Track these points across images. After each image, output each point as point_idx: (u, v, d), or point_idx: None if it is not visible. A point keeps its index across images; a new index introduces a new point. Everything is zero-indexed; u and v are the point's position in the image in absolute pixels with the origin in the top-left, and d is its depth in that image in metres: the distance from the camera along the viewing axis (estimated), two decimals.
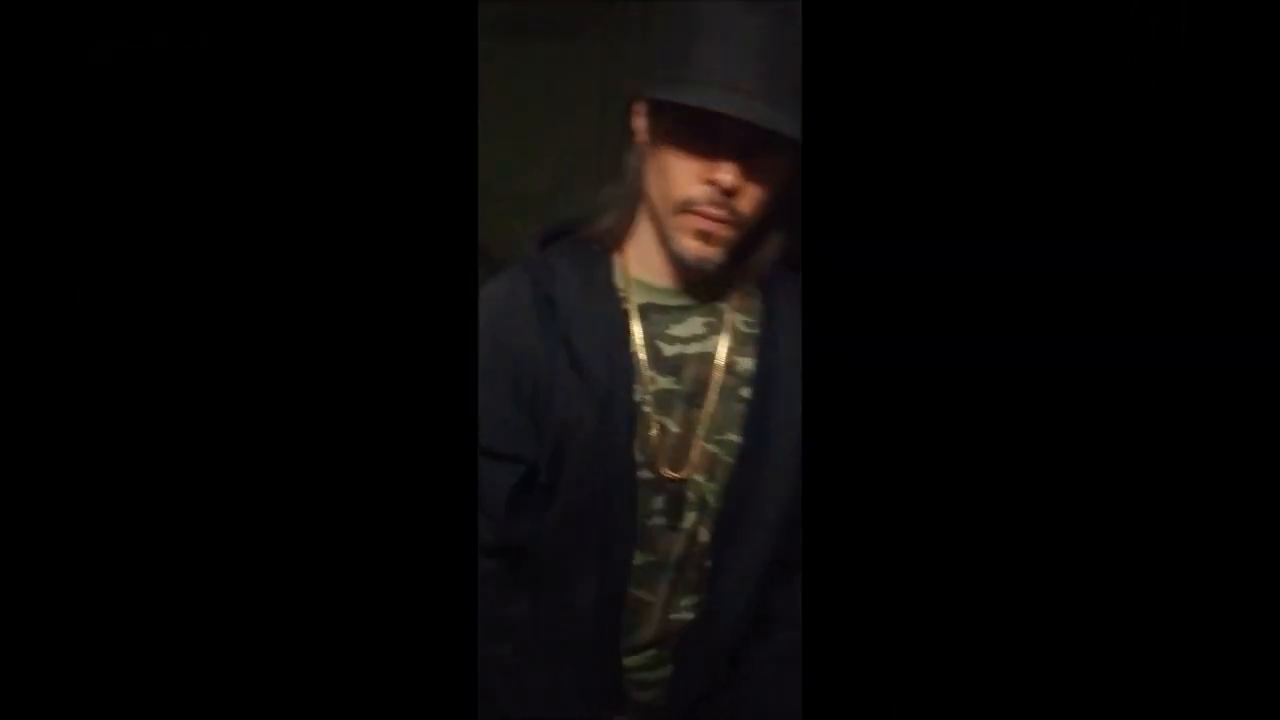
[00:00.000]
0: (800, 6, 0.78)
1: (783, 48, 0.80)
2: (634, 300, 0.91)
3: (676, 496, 0.90)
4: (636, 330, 0.90)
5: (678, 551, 0.90)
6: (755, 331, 0.92)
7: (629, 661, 0.92)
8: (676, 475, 0.89)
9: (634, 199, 0.90)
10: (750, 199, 0.84)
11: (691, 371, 0.91)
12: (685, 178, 0.84)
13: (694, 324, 0.92)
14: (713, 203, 0.84)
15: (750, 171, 0.83)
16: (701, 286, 0.91)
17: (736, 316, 0.92)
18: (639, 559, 0.90)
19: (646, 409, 0.89)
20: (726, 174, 0.82)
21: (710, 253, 0.86)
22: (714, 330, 0.92)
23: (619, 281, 0.92)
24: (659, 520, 0.90)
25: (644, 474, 0.89)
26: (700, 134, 0.83)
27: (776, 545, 0.91)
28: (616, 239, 0.92)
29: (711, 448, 0.90)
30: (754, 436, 0.90)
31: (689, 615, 0.92)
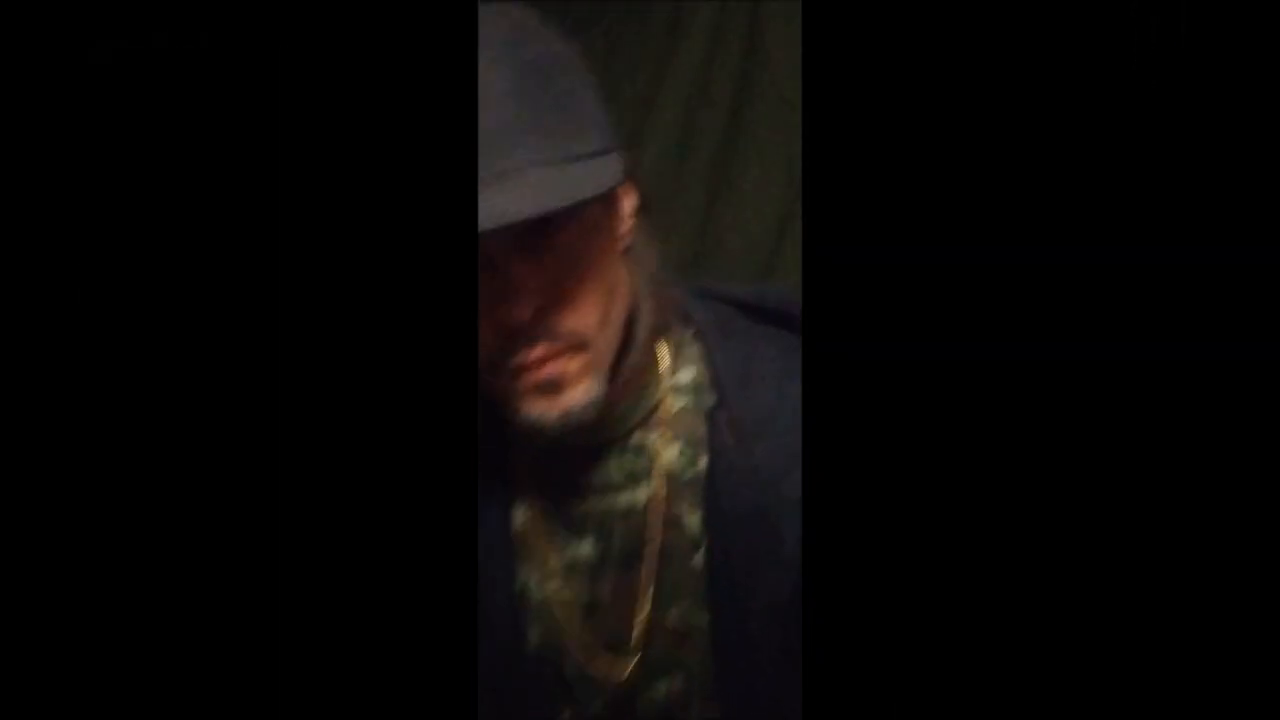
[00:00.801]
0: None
1: (550, 85, 0.61)
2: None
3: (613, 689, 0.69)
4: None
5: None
6: (688, 473, 0.69)
7: None
8: (607, 665, 0.68)
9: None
10: (575, 310, 0.62)
11: (618, 531, 0.69)
12: (491, 342, 0.62)
13: (613, 469, 0.70)
14: (531, 347, 0.62)
15: (556, 278, 0.61)
16: (609, 419, 0.68)
17: (666, 452, 0.69)
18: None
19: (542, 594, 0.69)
20: (520, 306, 0.60)
21: (572, 399, 0.63)
22: (637, 478, 0.70)
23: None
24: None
25: (569, 671, 0.69)
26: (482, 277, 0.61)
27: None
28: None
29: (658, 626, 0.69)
30: (714, 605, 0.68)
31: None
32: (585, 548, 0.70)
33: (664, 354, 0.70)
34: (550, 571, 0.69)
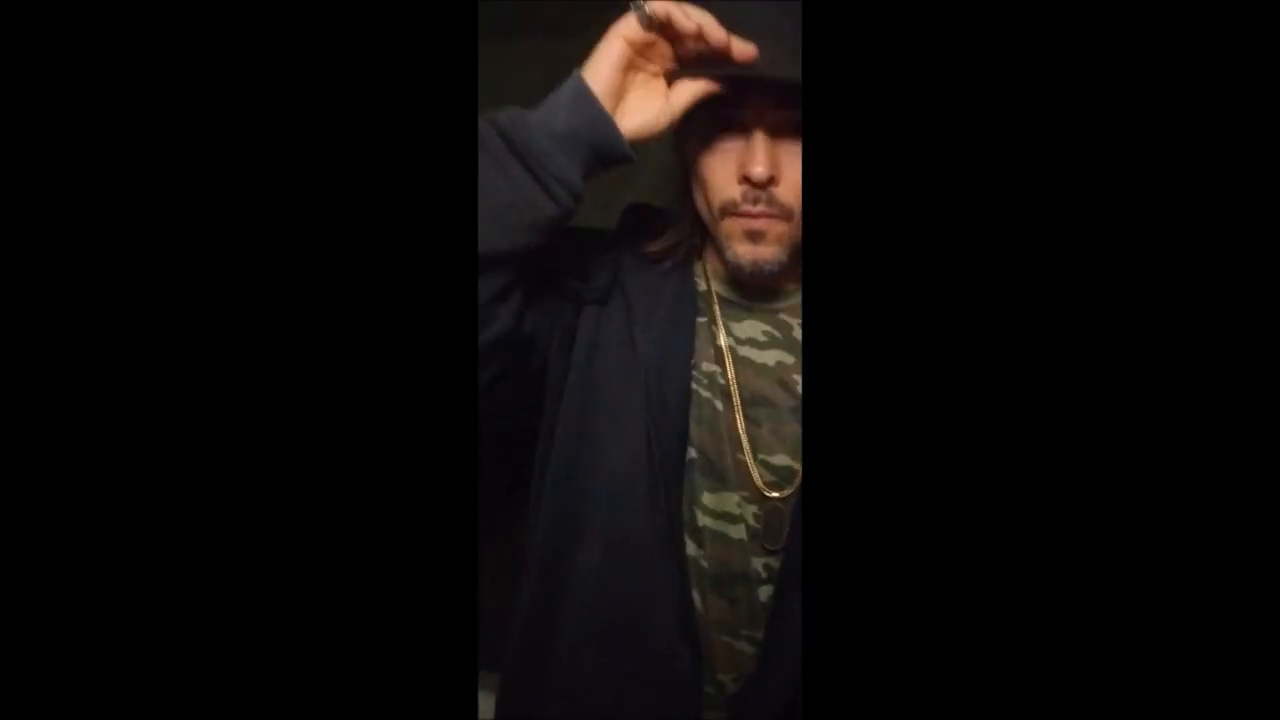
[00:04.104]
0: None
1: (784, 28, 0.76)
2: (713, 290, 0.88)
3: (724, 495, 0.85)
4: (717, 316, 0.87)
5: (735, 564, 0.84)
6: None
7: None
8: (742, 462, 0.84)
9: (687, 210, 0.87)
10: (792, 187, 0.80)
11: (734, 376, 0.86)
12: (719, 179, 0.81)
13: (752, 328, 0.88)
14: (751, 199, 0.80)
15: (785, 158, 0.80)
16: (769, 291, 0.88)
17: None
18: (693, 554, 0.84)
19: (704, 391, 0.85)
20: (758, 165, 0.79)
21: (767, 253, 0.82)
22: (774, 342, 0.88)
23: (699, 289, 0.89)
24: (708, 521, 0.85)
25: (693, 454, 0.85)
26: (725, 127, 0.80)
27: None
28: (684, 254, 0.89)
29: (767, 474, 0.86)
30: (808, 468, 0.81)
31: (749, 650, 0.84)
32: (718, 380, 0.87)
33: None
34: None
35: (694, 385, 0.86)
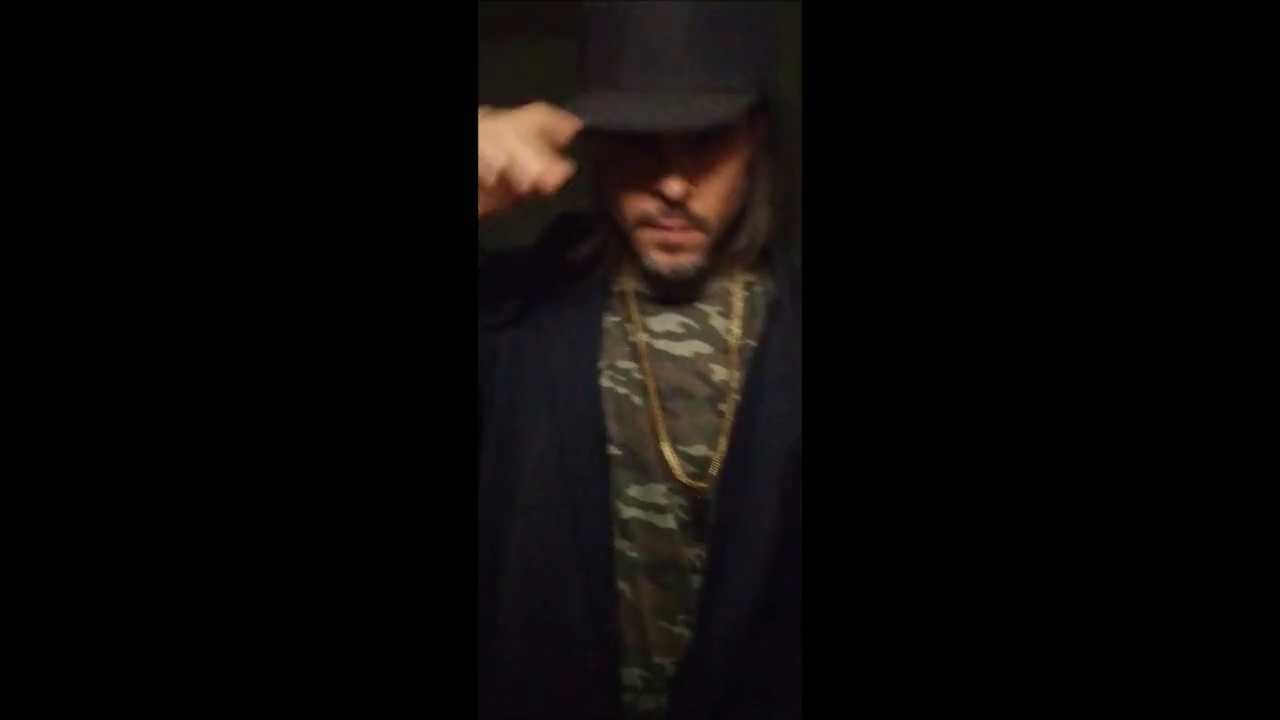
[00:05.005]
0: None
1: (715, 26, 0.76)
2: (628, 287, 0.89)
3: (649, 486, 0.87)
4: (633, 314, 0.88)
5: (664, 552, 0.87)
6: (736, 342, 0.89)
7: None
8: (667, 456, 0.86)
9: (605, 218, 0.87)
10: (707, 201, 0.82)
11: (651, 369, 0.88)
12: (633, 193, 0.82)
13: (669, 321, 0.89)
14: (666, 214, 0.81)
15: (699, 171, 0.80)
16: (687, 289, 0.89)
17: (723, 323, 0.89)
18: (620, 545, 0.86)
19: (621, 388, 0.87)
20: (673, 184, 0.79)
21: (685, 260, 0.84)
22: (692, 334, 0.89)
23: (616, 289, 0.90)
24: (635, 512, 0.87)
25: (614, 450, 0.87)
26: (638, 143, 0.79)
27: (769, 583, 0.86)
28: (603, 262, 0.89)
29: (687, 462, 0.87)
30: (731, 451, 0.86)
31: (683, 631, 0.87)
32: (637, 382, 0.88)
33: (750, 249, 0.90)
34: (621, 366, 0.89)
35: (611, 384, 0.88)
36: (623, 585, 0.87)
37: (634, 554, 0.87)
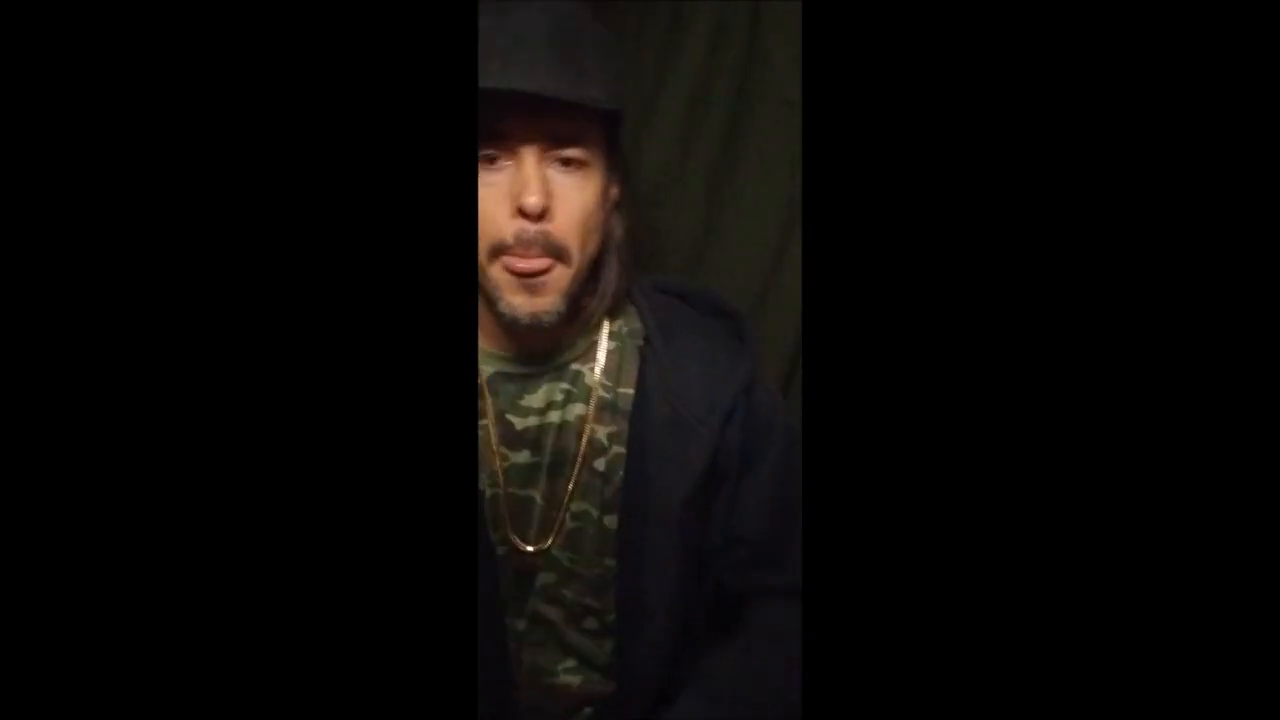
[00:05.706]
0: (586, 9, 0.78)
1: (580, 42, 0.75)
2: (483, 373, 0.85)
3: (529, 567, 0.88)
4: (486, 407, 0.85)
5: (553, 616, 0.90)
6: (611, 396, 0.87)
7: None
8: (529, 548, 0.87)
9: None
10: (565, 225, 0.77)
11: (550, 442, 0.86)
12: (486, 216, 0.76)
13: (550, 391, 0.86)
14: (524, 239, 0.76)
15: (559, 190, 0.76)
16: (551, 347, 0.86)
17: (596, 378, 0.86)
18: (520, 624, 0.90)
19: (493, 489, 0.86)
20: (532, 195, 0.74)
21: (544, 303, 0.79)
22: (571, 398, 0.87)
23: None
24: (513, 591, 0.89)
25: (501, 550, 0.88)
26: (489, 157, 0.75)
27: (677, 618, 0.88)
28: None
29: (571, 522, 0.87)
30: (625, 506, 0.86)
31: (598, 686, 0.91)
32: (523, 457, 0.86)
33: (609, 296, 0.86)
34: (494, 477, 0.87)
35: (489, 488, 0.87)
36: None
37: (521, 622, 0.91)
